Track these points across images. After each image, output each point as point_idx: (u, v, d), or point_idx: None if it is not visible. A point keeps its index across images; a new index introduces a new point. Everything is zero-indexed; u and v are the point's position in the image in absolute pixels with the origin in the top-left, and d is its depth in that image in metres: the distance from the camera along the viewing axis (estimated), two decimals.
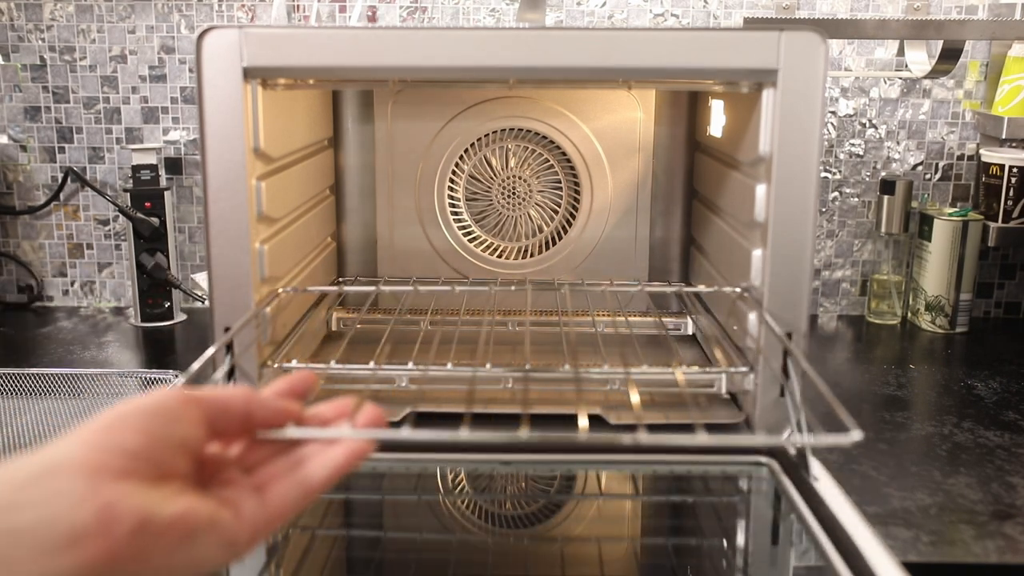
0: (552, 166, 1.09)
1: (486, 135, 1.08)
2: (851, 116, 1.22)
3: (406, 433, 0.57)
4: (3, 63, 1.22)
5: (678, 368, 0.84)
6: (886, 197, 1.20)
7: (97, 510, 0.35)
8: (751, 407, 0.78)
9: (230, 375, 0.76)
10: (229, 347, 0.75)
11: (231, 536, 0.40)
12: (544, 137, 1.07)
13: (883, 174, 1.24)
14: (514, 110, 1.06)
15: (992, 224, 1.16)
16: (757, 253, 0.77)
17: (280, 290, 0.85)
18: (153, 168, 1.18)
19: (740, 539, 0.69)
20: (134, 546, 0.35)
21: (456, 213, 1.10)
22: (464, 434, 0.55)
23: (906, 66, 1.18)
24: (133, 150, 1.17)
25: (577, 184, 1.08)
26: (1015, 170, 1.13)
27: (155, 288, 1.19)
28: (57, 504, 0.35)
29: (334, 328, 1.06)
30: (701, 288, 0.99)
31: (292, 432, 0.46)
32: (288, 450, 0.45)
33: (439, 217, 1.09)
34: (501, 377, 0.84)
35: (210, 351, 0.67)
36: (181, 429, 0.40)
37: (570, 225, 1.10)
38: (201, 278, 1.23)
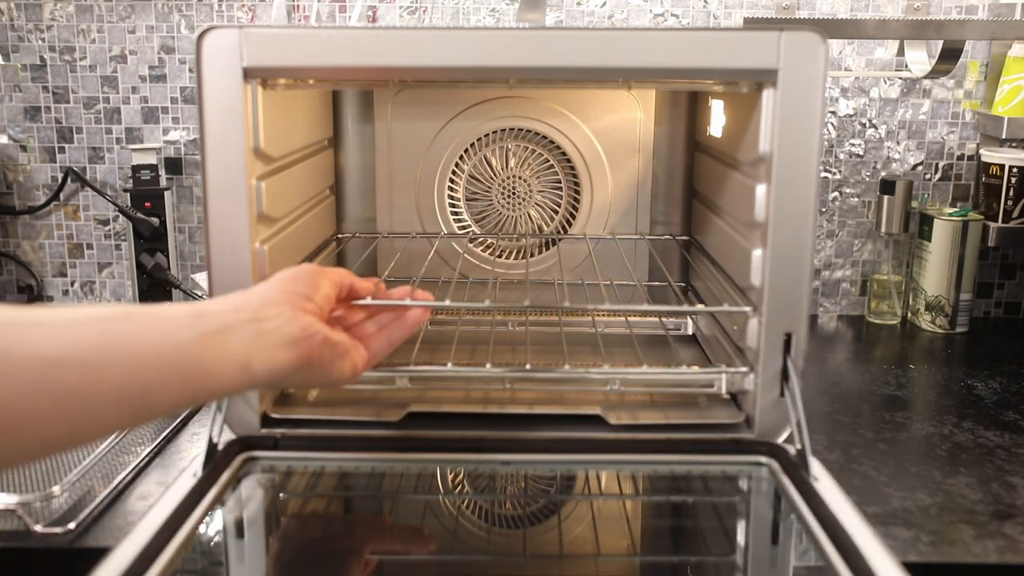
0: (552, 166, 1.09)
1: (486, 135, 1.08)
2: (851, 116, 1.22)
3: (447, 296, 0.63)
4: (3, 63, 1.22)
5: (678, 368, 0.84)
6: (886, 197, 1.20)
7: (303, 327, 0.57)
8: (751, 407, 0.78)
9: None
10: None
11: (355, 362, 0.63)
12: (544, 137, 1.07)
13: (883, 174, 1.24)
14: (514, 110, 1.06)
15: (992, 224, 1.16)
16: (757, 253, 0.76)
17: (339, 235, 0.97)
18: (153, 168, 1.18)
19: (740, 539, 0.69)
20: (320, 351, 0.58)
21: (456, 213, 1.10)
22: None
23: (906, 66, 1.18)
24: (133, 150, 1.17)
25: (577, 184, 1.08)
26: (1015, 170, 1.13)
27: (155, 288, 1.19)
28: (279, 319, 0.56)
29: None
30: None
31: (371, 302, 0.70)
32: (374, 315, 0.70)
33: (439, 217, 1.09)
34: (501, 377, 0.84)
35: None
36: (326, 286, 0.63)
37: (570, 225, 1.10)
38: (201, 278, 1.23)
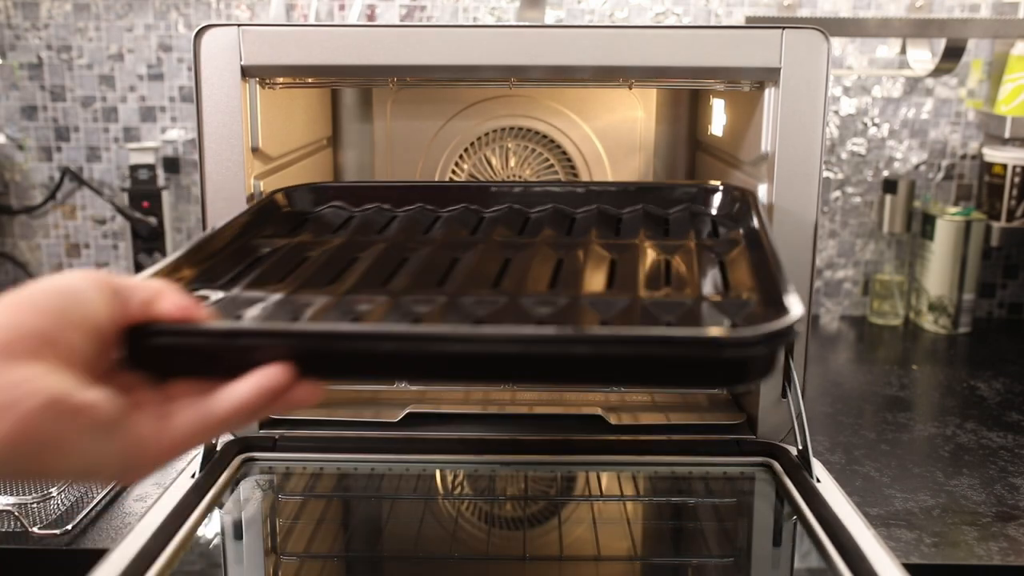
0: (552, 165, 1.08)
1: (486, 134, 1.07)
2: (853, 115, 1.22)
3: None
4: (0, 62, 1.21)
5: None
6: (888, 196, 1.19)
7: (9, 387, 0.34)
8: (752, 408, 0.77)
9: None
10: None
11: (141, 437, 0.39)
12: (544, 136, 1.07)
13: (885, 173, 1.23)
14: (514, 109, 1.06)
15: (995, 224, 1.15)
16: None
17: None
18: (151, 167, 1.17)
19: (742, 541, 0.69)
20: (45, 426, 0.35)
21: None
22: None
23: (908, 65, 1.18)
24: (131, 149, 1.17)
25: None
26: (1018, 169, 1.12)
27: None
28: None
29: None
30: None
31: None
32: None
33: None
34: None
35: None
36: (89, 309, 0.38)
37: None
38: None
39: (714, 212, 0.74)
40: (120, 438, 0.38)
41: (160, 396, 0.41)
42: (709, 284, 0.58)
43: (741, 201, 0.72)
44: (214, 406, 0.40)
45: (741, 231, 0.67)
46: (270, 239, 0.67)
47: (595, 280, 0.60)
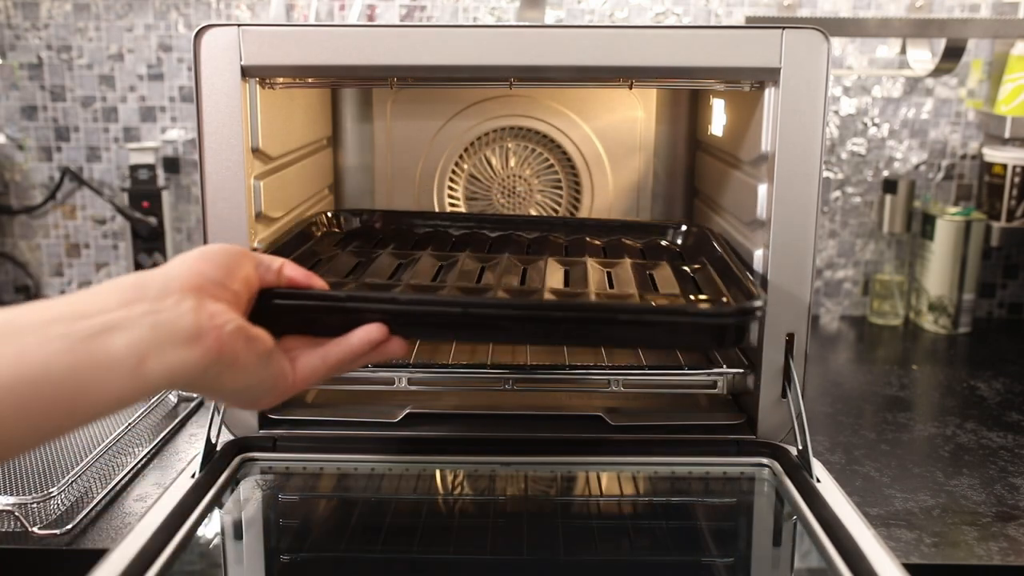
0: (552, 165, 1.08)
1: (486, 134, 1.07)
2: (853, 115, 1.22)
3: None
4: (0, 62, 1.21)
5: (679, 369, 0.84)
6: (888, 196, 1.19)
7: (209, 315, 0.47)
8: (752, 408, 0.77)
9: None
10: None
11: (283, 368, 0.52)
12: (544, 136, 1.07)
13: (885, 173, 1.23)
14: (514, 109, 1.06)
15: (995, 224, 1.15)
16: (759, 253, 0.76)
17: None
18: (151, 167, 1.17)
19: (742, 541, 0.69)
20: (233, 344, 0.48)
21: None
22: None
23: (908, 65, 1.18)
24: (131, 149, 1.17)
25: (578, 183, 1.08)
26: (1018, 169, 1.12)
27: None
28: (179, 308, 0.46)
29: None
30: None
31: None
32: None
33: None
34: (501, 377, 0.84)
35: None
36: (247, 270, 0.53)
37: None
38: None
39: (679, 243, 0.91)
40: (271, 367, 0.51)
41: (280, 346, 0.54)
42: (690, 289, 0.73)
43: (698, 235, 0.88)
44: (331, 351, 0.55)
45: (705, 257, 0.82)
46: (326, 248, 0.83)
47: (599, 283, 0.74)
